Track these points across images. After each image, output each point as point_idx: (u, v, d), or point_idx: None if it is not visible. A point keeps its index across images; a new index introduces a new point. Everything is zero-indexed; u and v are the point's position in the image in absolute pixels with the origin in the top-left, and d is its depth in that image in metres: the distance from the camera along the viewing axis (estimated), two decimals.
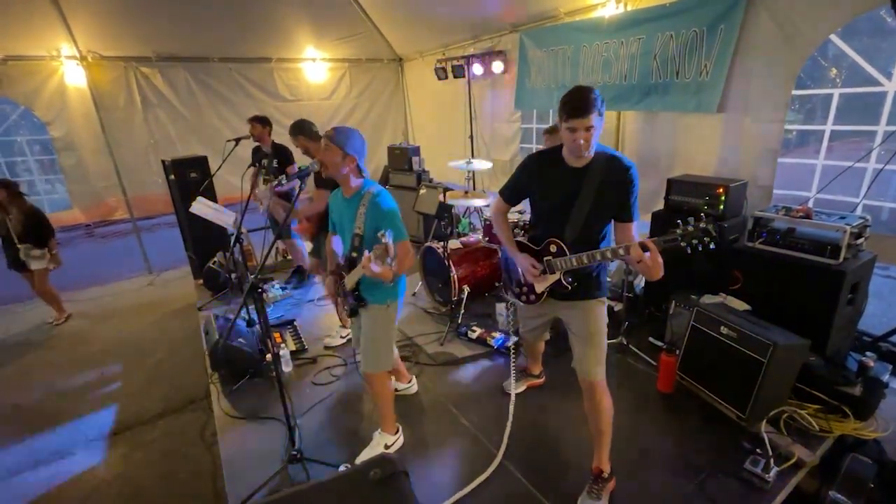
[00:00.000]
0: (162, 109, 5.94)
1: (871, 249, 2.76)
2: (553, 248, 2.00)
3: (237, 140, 4.04)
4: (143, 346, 4.14)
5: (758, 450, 2.21)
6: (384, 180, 6.36)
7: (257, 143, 4.45)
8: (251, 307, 3.18)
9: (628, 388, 2.84)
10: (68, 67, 5.25)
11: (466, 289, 3.71)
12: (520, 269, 2.16)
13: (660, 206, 3.51)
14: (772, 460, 2.11)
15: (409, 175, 5.85)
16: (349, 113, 7.31)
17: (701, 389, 2.65)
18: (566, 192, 1.91)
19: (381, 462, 1.22)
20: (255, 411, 2.85)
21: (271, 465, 2.36)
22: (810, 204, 2.96)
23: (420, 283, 4.22)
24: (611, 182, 1.86)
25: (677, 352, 2.76)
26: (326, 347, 3.56)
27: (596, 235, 1.96)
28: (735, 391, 2.43)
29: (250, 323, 3.15)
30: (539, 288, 2.11)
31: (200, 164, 4.86)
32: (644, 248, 1.67)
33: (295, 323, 3.90)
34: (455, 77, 5.91)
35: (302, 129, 3.49)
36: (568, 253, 1.94)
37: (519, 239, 2.18)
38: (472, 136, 6.07)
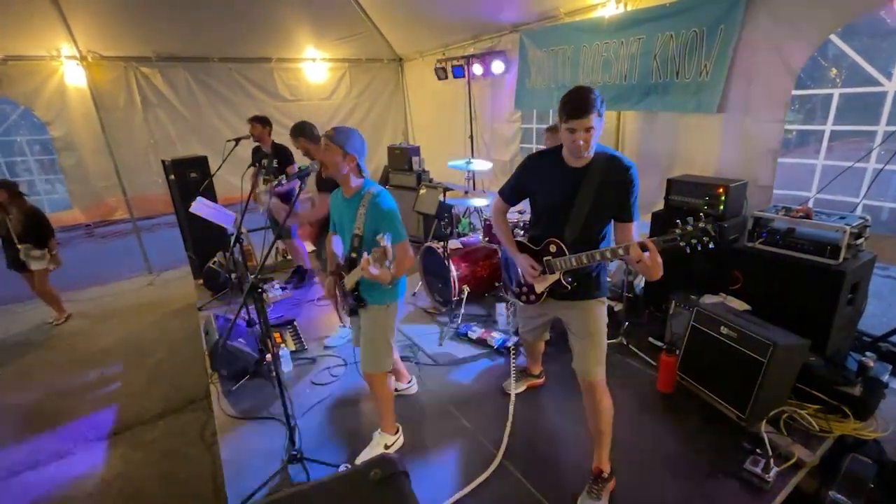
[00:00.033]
0: (162, 109, 5.94)
1: (871, 249, 2.76)
2: (553, 248, 2.00)
3: (237, 140, 4.04)
4: (143, 346, 4.14)
5: (758, 450, 2.21)
6: (384, 180, 6.36)
7: (257, 143, 4.46)
8: (251, 307, 3.19)
9: (628, 389, 2.84)
10: (68, 67, 5.25)
11: (466, 289, 3.71)
12: (519, 270, 2.16)
13: (660, 206, 3.51)
14: (772, 460, 2.11)
15: (409, 175, 5.85)
16: (349, 113, 7.31)
17: (701, 389, 2.65)
18: (566, 192, 1.91)
19: (382, 462, 1.22)
20: (255, 411, 2.85)
21: (271, 465, 2.36)
22: (810, 204, 2.96)
23: (420, 283, 4.21)
24: (611, 182, 1.86)
25: (677, 352, 2.76)
26: (326, 347, 3.56)
27: (596, 235, 1.96)
28: (735, 391, 2.43)
29: (250, 323, 3.15)
30: (539, 288, 2.11)
31: (200, 164, 4.86)
32: (643, 248, 1.67)
33: (295, 323, 3.90)
34: (455, 77, 5.91)
35: (303, 131, 3.49)
36: (567, 253, 1.94)
37: (519, 239, 2.18)
38: (472, 136, 6.07)
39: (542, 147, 3.53)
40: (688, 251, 1.67)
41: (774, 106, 3.13)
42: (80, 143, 5.58)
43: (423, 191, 5.07)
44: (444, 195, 4.25)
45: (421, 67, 6.98)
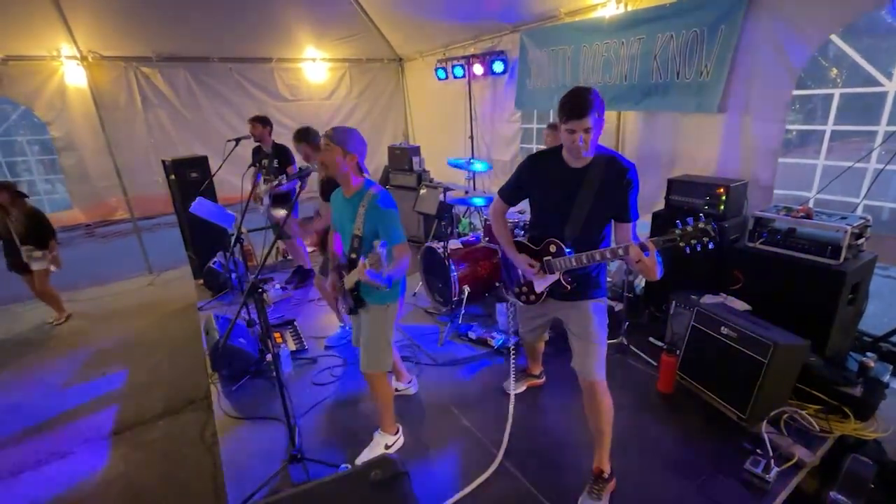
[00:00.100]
0: (162, 109, 5.94)
1: (872, 250, 2.76)
2: (552, 249, 1.99)
3: (237, 140, 4.05)
4: (143, 347, 4.14)
5: (758, 450, 2.21)
6: (384, 180, 6.36)
7: (258, 144, 4.46)
8: (251, 307, 3.19)
9: (629, 389, 2.84)
10: (69, 67, 5.25)
11: (466, 289, 3.71)
12: (519, 270, 2.16)
13: (660, 206, 3.51)
14: (772, 461, 2.11)
15: (409, 175, 5.85)
16: (349, 113, 7.31)
17: (701, 390, 2.65)
18: (566, 192, 1.91)
19: (382, 463, 1.22)
20: (255, 411, 2.85)
21: (271, 465, 2.36)
22: (811, 204, 2.95)
23: (420, 283, 4.21)
24: (610, 182, 1.86)
25: (677, 352, 2.76)
26: (326, 347, 3.56)
27: (596, 236, 1.96)
28: (735, 391, 2.42)
29: (250, 323, 3.15)
30: (539, 288, 2.11)
31: (200, 164, 4.85)
32: (643, 248, 1.67)
33: (295, 323, 3.90)
34: (455, 77, 5.91)
35: (307, 136, 3.48)
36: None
37: (519, 239, 2.18)
38: (472, 137, 6.07)
39: (543, 147, 3.53)
40: (687, 252, 1.67)
41: (775, 106, 3.13)
42: (81, 143, 5.58)
43: (423, 191, 5.07)
44: (445, 195, 4.25)
45: (421, 67, 6.97)
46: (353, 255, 2.15)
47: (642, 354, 3.19)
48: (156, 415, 3.18)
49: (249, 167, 4.19)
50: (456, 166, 4.47)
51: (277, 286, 4.70)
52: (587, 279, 2.03)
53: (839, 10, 2.77)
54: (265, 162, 4.27)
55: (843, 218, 2.66)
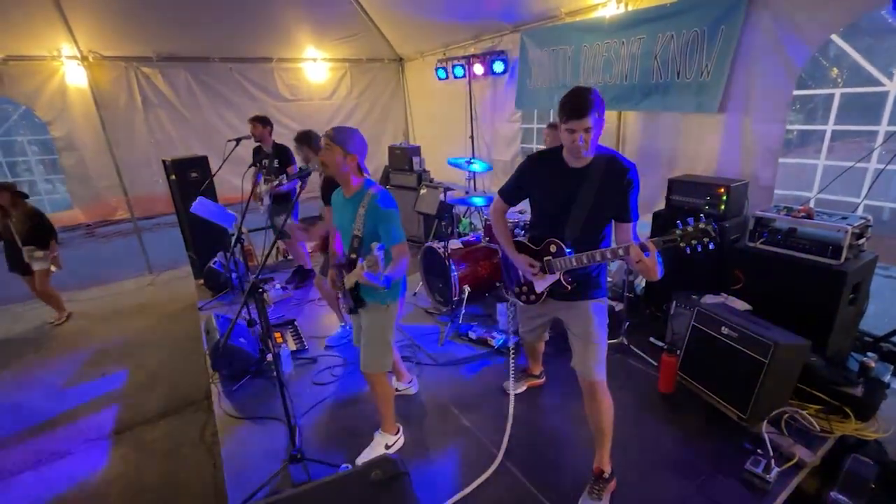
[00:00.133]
0: (162, 109, 5.95)
1: (873, 250, 2.76)
2: (553, 249, 1.99)
3: (238, 140, 4.05)
4: (143, 346, 4.14)
5: (759, 450, 2.21)
6: (385, 180, 6.36)
7: (258, 144, 4.46)
8: (252, 307, 3.19)
9: (629, 389, 2.83)
10: (69, 67, 5.26)
11: (467, 289, 3.70)
12: (519, 270, 2.16)
13: (661, 206, 3.51)
14: (773, 461, 2.11)
15: (409, 175, 5.85)
16: (350, 113, 7.32)
17: (702, 390, 2.64)
18: (566, 192, 1.91)
19: (383, 463, 1.22)
20: (255, 411, 2.85)
21: (271, 465, 2.36)
22: (811, 204, 2.95)
23: (420, 283, 4.21)
24: (611, 182, 1.86)
25: (678, 352, 2.76)
26: (327, 347, 3.56)
27: (596, 236, 1.96)
28: (736, 391, 2.42)
29: (251, 323, 3.15)
30: (539, 288, 2.11)
31: (201, 164, 4.85)
32: (643, 248, 1.67)
33: (295, 323, 3.90)
34: (456, 77, 5.91)
35: (308, 139, 3.48)
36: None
37: (519, 239, 2.17)
38: (472, 136, 6.07)
39: (543, 147, 3.53)
40: (688, 252, 1.67)
41: (776, 106, 3.13)
42: (81, 143, 5.59)
43: (423, 191, 5.07)
44: (445, 195, 4.25)
45: (421, 67, 6.97)
46: (353, 256, 2.14)
47: (643, 354, 3.19)
48: (156, 415, 3.18)
49: (250, 167, 4.19)
50: (456, 166, 4.47)
51: (278, 286, 4.70)
52: (587, 279, 2.03)
53: (839, 10, 2.77)
54: (265, 162, 4.27)
55: (844, 218, 2.66)
